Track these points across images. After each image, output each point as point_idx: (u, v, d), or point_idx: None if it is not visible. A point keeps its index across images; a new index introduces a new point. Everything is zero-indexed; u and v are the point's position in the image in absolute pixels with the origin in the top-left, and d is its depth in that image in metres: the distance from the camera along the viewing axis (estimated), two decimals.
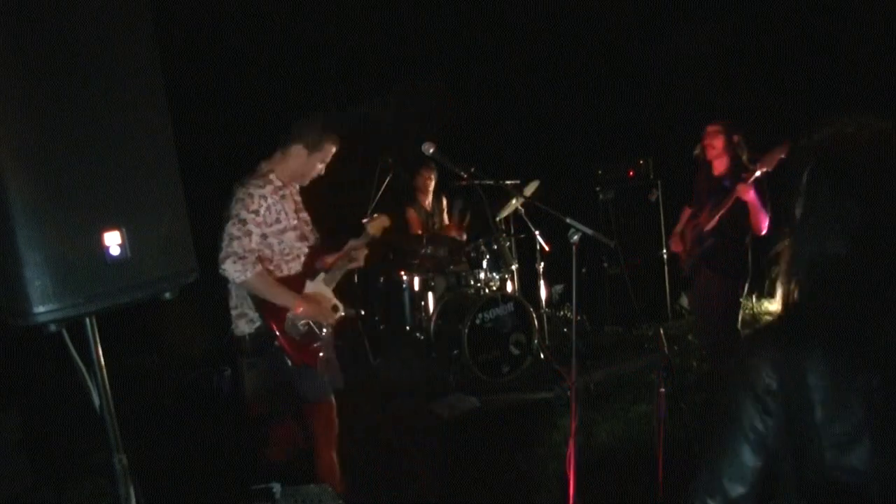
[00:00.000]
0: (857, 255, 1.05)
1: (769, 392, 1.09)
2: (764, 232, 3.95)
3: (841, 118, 1.12)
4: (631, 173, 6.64)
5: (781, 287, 1.15)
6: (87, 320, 1.67)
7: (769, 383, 1.09)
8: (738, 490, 1.13)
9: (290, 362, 2.99)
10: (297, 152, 3.08)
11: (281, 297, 2.95)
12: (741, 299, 4.16)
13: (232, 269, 2.84)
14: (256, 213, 2.92)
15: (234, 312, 3.06)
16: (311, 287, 3.13)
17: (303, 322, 3.03)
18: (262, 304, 2.96)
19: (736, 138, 4.07)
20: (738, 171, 4.01)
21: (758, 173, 3.82)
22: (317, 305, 3.07)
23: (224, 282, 3.01)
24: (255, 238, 2.92)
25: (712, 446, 1.18)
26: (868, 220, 1.05)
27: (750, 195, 3.87)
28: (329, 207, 3.81)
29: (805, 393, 1.05)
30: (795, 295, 1.12)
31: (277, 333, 2.95)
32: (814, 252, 1.09)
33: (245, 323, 3.03)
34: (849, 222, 1.06)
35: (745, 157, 4.05)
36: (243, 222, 2.88)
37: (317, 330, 3.07)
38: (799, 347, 1.07)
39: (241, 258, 2.85)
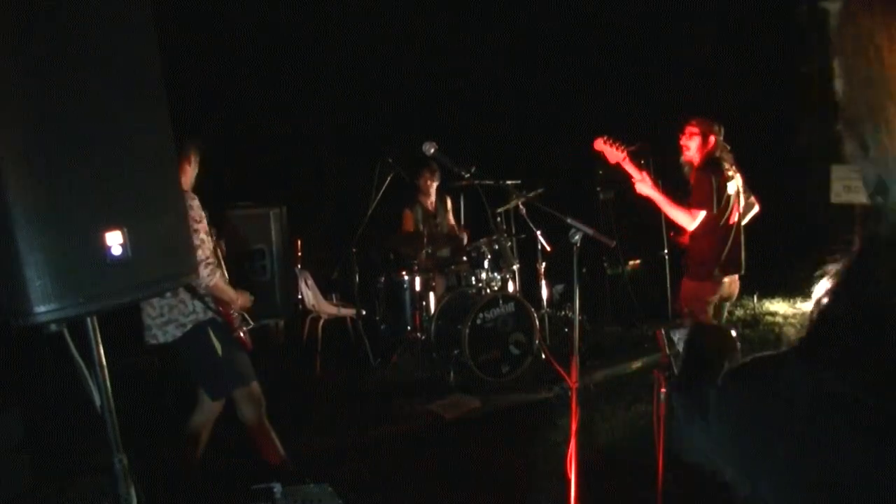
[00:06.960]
0: None
1: None
2: (692, 227, 3.83)
3: None
4: None
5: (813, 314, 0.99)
6: (89, 320, 1.68)
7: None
8: None
9: (233, 348, 3.28)
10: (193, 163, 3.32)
11: (229, 292, 3.25)
12: (713, 301, 3.94)
13: (204, 274, 3.05)
14: (201, 220, 3.14)
15: (158, 321, 3.18)
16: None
17: (237, 313, 3.35)
18: (218, 302, 3.24)
19: (712, 139, 3.87)
20: (708, 169, 3.83)
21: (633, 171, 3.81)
22: (245, 297, 3.35)
23: None
24: (207, 244, 3.15)
25: None
26: None
27: (645, 192, 3.83)
28: (329, 207, 3.81)
29: None
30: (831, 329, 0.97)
31: (234, 325, 3.29)
32: (867, 294, 0.84)
33: (175, 327, 3.19)
34: None
35: (723, 156, 3.87)
36: (196, 231, 3.06)
37: (245, 319, 3.40)
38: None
39: (207, 264, 3.08)
